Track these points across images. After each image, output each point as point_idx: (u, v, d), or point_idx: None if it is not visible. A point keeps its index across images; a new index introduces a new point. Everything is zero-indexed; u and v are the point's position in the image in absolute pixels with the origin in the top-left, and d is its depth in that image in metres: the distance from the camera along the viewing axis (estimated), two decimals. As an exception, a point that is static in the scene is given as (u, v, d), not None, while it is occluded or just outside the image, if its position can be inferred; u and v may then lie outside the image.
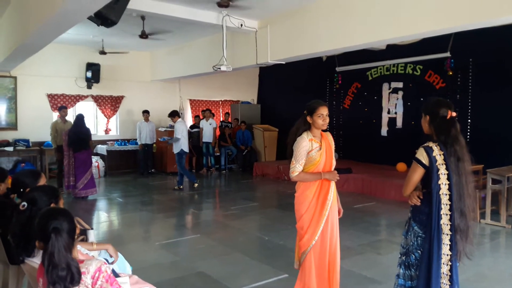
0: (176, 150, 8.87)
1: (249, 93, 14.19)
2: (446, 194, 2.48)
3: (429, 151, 2.50)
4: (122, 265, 2.95)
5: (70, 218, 1.97)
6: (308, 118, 3.15)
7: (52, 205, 2.40)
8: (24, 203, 2.34)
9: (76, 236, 1.99)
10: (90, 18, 5.06)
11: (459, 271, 2.62)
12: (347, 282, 3.95)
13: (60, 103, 10.65)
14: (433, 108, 2.60)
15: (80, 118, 8.12)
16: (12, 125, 10.13)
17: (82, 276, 1.85)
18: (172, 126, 11.70)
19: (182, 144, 8.78)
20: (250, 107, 13.71)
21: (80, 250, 2.46)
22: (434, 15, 5.30)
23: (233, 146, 12.28)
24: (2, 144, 9.71)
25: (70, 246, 1.87)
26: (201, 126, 11.63)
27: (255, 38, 7.98)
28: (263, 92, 14.17)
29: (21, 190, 2.82)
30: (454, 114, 2.56)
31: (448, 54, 8.54)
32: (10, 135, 10.02)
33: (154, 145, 11.52)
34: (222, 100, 13.76)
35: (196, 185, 9.21)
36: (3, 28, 8.00)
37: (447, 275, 2.50)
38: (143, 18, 7.65)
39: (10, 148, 9.66)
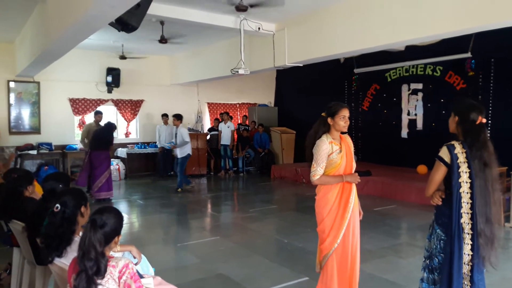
0: (182, 154, 8.87)
1: (266, 96, 14.22)
2: (467, 193, 2.46)
3: (451, 148, 2.50)
4: (146, 266, 3.00)
5: (115, 221, 2.11)
6: (329, 120, 3.14)
7: (82, 207, 2.51)
8: (58, 205, 2.43)
9: (114, 241, 2.12)
10: (111, 24, 5.16)
11: (485, 276, 2.57)
12: (369, 285, 3.92)
13: (82, 107, 10.89)
14: (464, 110, 2.59)
15: (108, 126, 8.30)
16: (36, 129, 10.39)
17: (112, 269, 1.96)
18: (190, 129, 11.84)
19: (188, 147, 8.82)
20: (268, 109, 13.73)
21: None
22: (454, 15, 5.23)
23: (251, 149, 12.32)
24: (26, 147, 9.97)
25: (102, 242, 1.97)
26: (219, 129, 11.71)
27: (272, 41, 8.01)
28: (280, 95, 14.17)
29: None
30: (484, 120, 2.55)
31: (469, 55, 8.39)
32: (33, 139, 10.27)
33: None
34: (240, 103, 13.82)
35: (179, 190, 9.10)
36: (27, 35, 8.23)
37: (468, 275, 2.47)
38: (162, 23, 7.76)
39: (34, 152, 9.91)
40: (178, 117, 9.15)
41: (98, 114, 9.03)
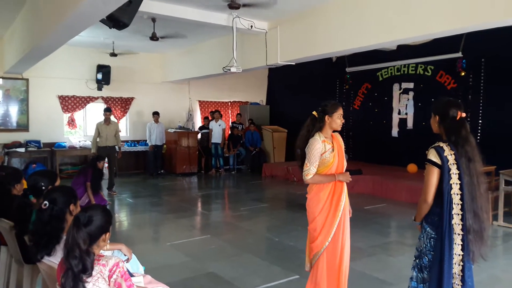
0: None
1: (258, 94, 14.20)
2: (457, 194, 2.47)
3: (440, 151, 2.50)
4: (135, 265, 2.97)
5: (100, 217, 2.08)
6: (327, 118, 3.15)
7: (71, 205, 2.47)
8: (46, 202, 2.40)
9: (102, 239, 2.09)
10: (102, 21, 5.09)
11: (473, 273, 2.60)
12: (359, 284, 3.94)
13: (71, 104, 10.78)
14: (443, 108, 2.60)
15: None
16: (24, 127, 10.25)
17: (102, 268, 1.96)
18: (180, 127, 11.77)
19: None
20: (259, 108, 13.71)
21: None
22: (446, 15, 5.26)
23: (242, 147, 12.31)
24: (14, 145, 9.83)
25: (86, 240, 1.96)
26: (210, 127, 11.67)
27: (265, 39, 7.99)
28: (272, 93, 14.17)
29: (42, 189, 2.88)
30: (463, 114, 2.56)
31: (460, 54, 8.46)
32: (22, 137, 10.14)
33: (164, 146, 11.58)
34: (231, 101, 13.78)
35: None
36: (16, 31, 8.12)
37: (459, 275, 2.48)
38: (154, 20, 7.69)
39: (22, 149, 9.77)
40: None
41: (107, 112, 8.81)
